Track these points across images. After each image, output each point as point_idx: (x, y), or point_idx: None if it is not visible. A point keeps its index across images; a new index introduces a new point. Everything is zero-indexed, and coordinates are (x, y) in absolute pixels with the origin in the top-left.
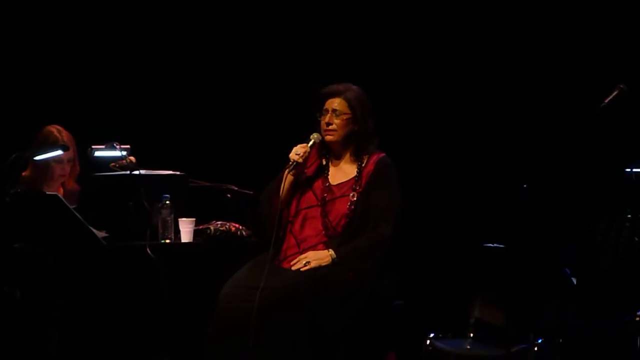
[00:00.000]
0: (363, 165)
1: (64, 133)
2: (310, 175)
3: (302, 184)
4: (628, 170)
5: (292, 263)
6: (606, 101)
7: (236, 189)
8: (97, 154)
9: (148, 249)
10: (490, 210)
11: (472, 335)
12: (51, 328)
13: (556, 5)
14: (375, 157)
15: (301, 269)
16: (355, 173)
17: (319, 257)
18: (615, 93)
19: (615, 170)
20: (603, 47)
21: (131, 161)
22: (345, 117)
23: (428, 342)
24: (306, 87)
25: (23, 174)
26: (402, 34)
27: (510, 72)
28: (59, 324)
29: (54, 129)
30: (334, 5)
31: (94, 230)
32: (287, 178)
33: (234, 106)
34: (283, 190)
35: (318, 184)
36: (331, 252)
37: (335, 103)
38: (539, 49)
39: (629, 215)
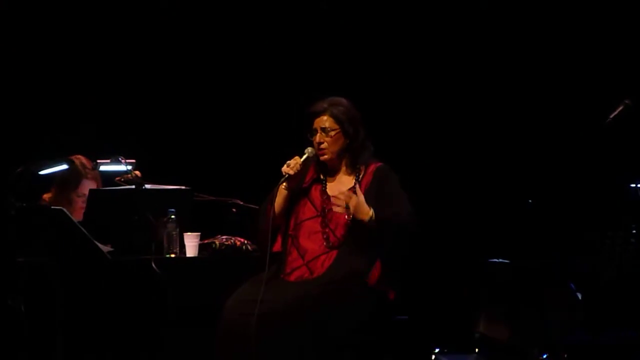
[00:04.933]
0: (361, 175)
1: (87, 164)
2: (308, 189)
3: (300, 198)
4: (633, 185)
5: (332, 200)
6: (611, 117)
7: (241, 203)
8: (103, 168)
9: (153, 264)
10: (496, 225)
11: (477, 350)
12: (57, 341)
13: (562, 22)
14: (372, 167)
15: (335, 209)
16: (353, 183)
17: (360, 210)
18: (620, 108)
19: (621, 186)
20: (609, 61)
21: (136, 175)
22: (334, 132)
23: (433, 357)
24: (312, 100)
25: (44, 196)
26: (403, 51)
27: (515, 86)
28: (64, 337)
29: (77, 161)
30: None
31: (99, 245)
32: (281, 192)
33: (240, 120)
34: (277, 204)
35: (316, 196)
36: (372, 212)
37: (323, 120)
38: (546, 62)
39: (634, 231)
